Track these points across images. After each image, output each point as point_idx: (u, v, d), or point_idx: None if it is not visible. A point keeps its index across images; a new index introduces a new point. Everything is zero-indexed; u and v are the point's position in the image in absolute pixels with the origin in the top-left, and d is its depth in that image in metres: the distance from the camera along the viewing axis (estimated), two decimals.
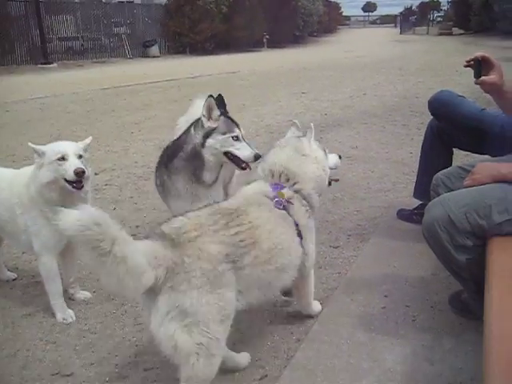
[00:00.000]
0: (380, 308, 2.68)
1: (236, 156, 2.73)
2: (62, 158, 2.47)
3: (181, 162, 2.80)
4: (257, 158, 2.67)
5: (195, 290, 1.71)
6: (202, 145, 2.72)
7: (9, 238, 2.92)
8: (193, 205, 2.62)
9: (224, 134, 2.72)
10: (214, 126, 2.72)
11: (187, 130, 2.85)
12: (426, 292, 2.82)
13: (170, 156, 2.87)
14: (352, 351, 2.35)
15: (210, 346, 1.76)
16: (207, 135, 2.72)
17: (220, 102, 2.88)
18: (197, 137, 2.75)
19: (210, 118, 2.73)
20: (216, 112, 2.73)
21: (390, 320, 2.57)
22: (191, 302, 1.71)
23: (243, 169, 2.77)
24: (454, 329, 2.47)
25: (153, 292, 1.71)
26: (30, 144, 2.55)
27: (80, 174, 2.46)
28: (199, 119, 2.76)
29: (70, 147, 2.53)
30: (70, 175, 2.45)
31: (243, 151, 2.71)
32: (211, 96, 2.76)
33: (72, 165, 2.46)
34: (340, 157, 2.65)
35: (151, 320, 1.75)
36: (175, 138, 3.01)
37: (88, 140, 2.68)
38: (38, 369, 2.33)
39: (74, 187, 2.49)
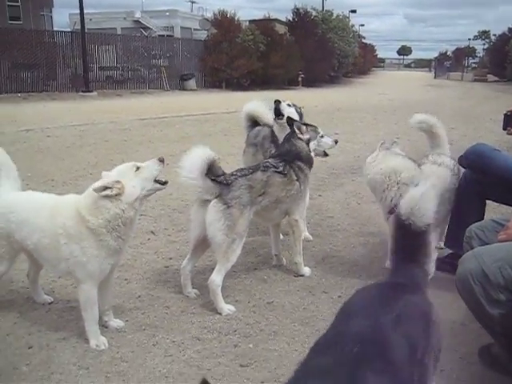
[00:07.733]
0: None
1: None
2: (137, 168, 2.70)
3: None
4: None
5: None
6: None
7: (46, 263, 2.91)
8: None
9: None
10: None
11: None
12: (455, 343, 2.78)
13: None
14: None
15: None
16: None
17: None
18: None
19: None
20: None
21: None
22: None
23: None
24: (483, 382, 2.45)
25: None
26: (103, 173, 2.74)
27: (163, 159, 2.78)
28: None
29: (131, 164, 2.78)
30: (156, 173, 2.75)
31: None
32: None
33: (153, 167, 2.74)
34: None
35: None
36: None
37: None
38: None
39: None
